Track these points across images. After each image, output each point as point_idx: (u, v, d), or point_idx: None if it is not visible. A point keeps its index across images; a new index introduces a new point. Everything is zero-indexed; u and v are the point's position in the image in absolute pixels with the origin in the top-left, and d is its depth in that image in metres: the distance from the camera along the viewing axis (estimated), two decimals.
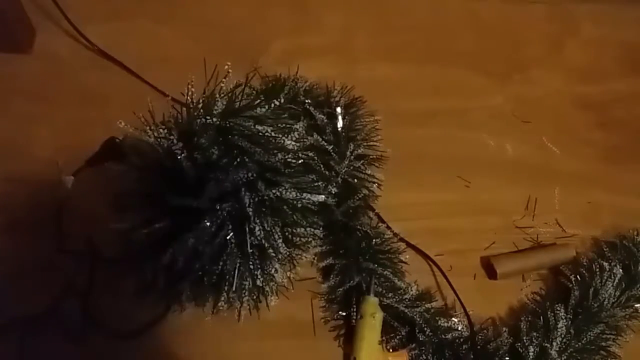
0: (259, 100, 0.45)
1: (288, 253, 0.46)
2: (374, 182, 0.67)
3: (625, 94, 0.82)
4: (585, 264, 0.67)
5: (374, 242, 0.64)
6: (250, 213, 0.42)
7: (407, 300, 0.62)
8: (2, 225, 0.62)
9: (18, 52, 0.70)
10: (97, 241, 0.60)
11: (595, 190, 0.74)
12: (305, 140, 0.47)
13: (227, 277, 0.44)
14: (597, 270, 0.65)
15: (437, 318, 0.62)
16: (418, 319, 0.60)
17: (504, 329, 0.63)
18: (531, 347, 0.60)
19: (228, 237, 0.42)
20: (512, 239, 0.70)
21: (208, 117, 0.42)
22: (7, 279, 0.60)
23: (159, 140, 0.43)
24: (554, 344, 0.61)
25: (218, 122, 0.42)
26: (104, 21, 0.73)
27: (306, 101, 0.65)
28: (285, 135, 0.43)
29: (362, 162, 0.67)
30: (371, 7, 0.81)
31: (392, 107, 0.71)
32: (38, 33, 0.72)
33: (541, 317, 0.63)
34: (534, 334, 0.61)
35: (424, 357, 0.60)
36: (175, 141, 0.41)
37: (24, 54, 0.70)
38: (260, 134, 0.42)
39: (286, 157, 0.44)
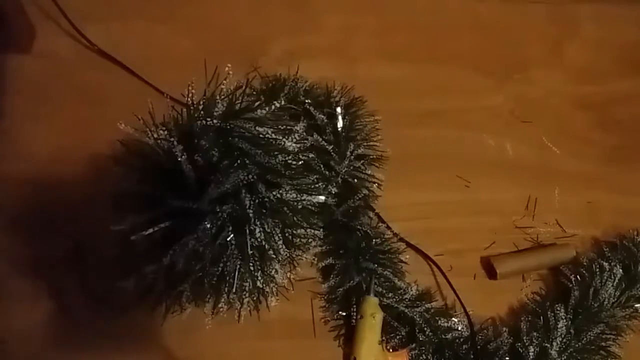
0: (259, 102, 0.45)
1: (288, 254, 0.46)
2: (374, 182, 0.67)
3: (626, 94, 0.82)
4: (585, 264, 0.67)
5: (374, 242, 0.64)
6: (251, 215, 0.42)
7: (407, 300, 0.62)
8: (2, 225, 0.62)
9: (18, 52, 0.70)
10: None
11: (595, 190, 0.74)
12: (305, 141, 0.47)
13: (227, 278, 0.44)
14: (597, 270, 0.65)
15: (437, 318, 0.62)
16: (418, 319, 0.61)
17: (504, 329, 0.64)
18: (531, 347, 0.61)
19: (228, 239, 0.42)
20: (512, 239, 0.70)
21: (208, 119, 0.42)
22: (6, 279, 0.60)
23: (159, 141, 0.43)
24: (554, 344, 0.61)
25: (218, 124, 0.42)
26: (104, 21, 0.73)
27: (306, 101, 0.65)
28: (286, 137, 0.43)
29: (362, 162, 0.67)
30: (371, 7, 0.81)
31: (392, 107, 0.71)
32: (38, 33, 0.72)
33: (541, 317, 0.63)
34: (534, 334, 0.62)
35: (424, 357, 0.60)
36: (175, 143, 0.41)
37: (24, 54, 0.70)
38: (261, 135, 0.42)
39: (286, 158, 0.44)
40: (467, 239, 0.69)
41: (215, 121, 0.42)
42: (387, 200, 0.68)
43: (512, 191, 0.73)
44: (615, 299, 0.64)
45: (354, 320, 0.60)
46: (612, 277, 0.65)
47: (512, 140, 0.76)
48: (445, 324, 0.62)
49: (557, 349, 0.61)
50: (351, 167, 0.66)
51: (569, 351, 0.61)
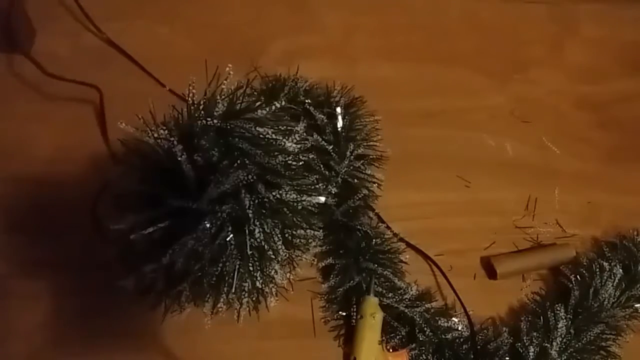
0: (259, 102, 0.45)
1: (288, 254, 0.46)
2: (374, 182, 0.67)
3: (625, 94, 0.82)
4: (585, 264, 0.67)
5: (374, 242, 0.64)
6: (250, 215, 0.42)
7: (407, 300, 0.62)
8: (2, 225, 0.62)
9: (18, 52, 0.70)
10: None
11: (595, 190, 0.74)
12: (306, 142, 0.47)
13: (227, 278, 0.44)
14: (597, 270, 0.65)
15: (437, 318, 0.62)
16: (418, 319, 0.61)
17: (504, 329, 0.64)
18: (531, 347, 0.61)
19: (228, 239, 0.42)
20: (512, 239, 0.70)
21: (209, 119, 0.42)
22: (7, 279, 0.60)
23: (159, 141, 0.43)
24: (554, 344, 0.61)
25: (219, 124, 0.42)
26: (104, 21, 0.73)
27: (306, 101, 0.65)
28: (286, 137, 0.43)
29: (362, 162, 0.67)
30: (371, 7, 0.81)
31: (392, 107, 0.71)
32: (38, 33, 0.72)
33: (541, 317, 0.63)
34: (534, 334, 0.62)
35: (424, 357, 0.60)
36: (175, 142, 0.41)
37: (24, 54, 0.70)
38: (261, 135, 0.42)
39: (286, 159, 0.44)
40: (467, 239, 0.69)
41: (215, 121, 0.42)
42: (387, 200, 0.68)
43: (512, 191, 0.73)
44: (615, 299, 0.64)
45: (354, 320, 0.60)
46: (612, 277, 0.65)
47: (512, 140, 0.76)
48: (445, 324, 0.62)
49: (557, 349, 0.61)
50: (351, 167, 0.66)
51: (569, 351, 0.61)
